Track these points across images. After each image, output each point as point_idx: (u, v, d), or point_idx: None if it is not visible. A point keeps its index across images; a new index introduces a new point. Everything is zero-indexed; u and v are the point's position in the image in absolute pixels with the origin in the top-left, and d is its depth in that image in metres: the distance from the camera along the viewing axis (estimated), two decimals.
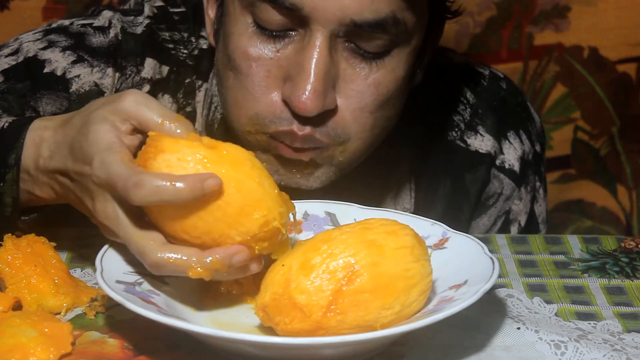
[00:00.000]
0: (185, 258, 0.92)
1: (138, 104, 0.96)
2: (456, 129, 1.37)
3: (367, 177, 1.33)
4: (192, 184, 0.90)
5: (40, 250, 1.05)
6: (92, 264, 0.98)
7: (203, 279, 0.94)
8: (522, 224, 1.39)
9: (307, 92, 1.10)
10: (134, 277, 0.98)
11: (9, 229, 1.06)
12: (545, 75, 1.83)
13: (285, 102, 1.14)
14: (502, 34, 1.81)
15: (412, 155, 1.35)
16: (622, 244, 1.22)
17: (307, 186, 1.19)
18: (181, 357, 0.95)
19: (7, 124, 1.07)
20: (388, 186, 1.35)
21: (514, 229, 1.39)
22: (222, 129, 1.30)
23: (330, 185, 1.22)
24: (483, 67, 1.42)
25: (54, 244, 1.07)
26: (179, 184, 0.90)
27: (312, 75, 1.10)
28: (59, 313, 1.02)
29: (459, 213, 1.37)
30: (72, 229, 1.18)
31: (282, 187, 1.16)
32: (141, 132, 0.97)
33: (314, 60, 1.10)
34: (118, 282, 0.96)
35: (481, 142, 1.36)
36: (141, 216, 0.94)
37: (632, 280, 1.13)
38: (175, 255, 0.92)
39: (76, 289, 1.04)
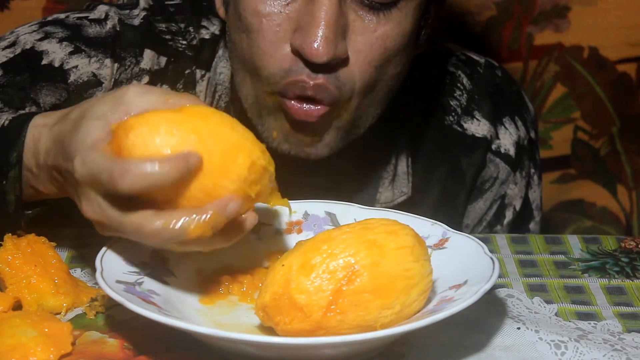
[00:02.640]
0: (183, 219, 0.92)
1: (140, 94, 0.97)
2: (453, 114, 1.39)
3: (365, 162, 1.35)
4: (177, 163, 0.90)
5: (40, 250, 1.05)
6: (92, 264, 0.98)
7: (203, 250, 0.95)
8: (517, 208, 1.41)
9: (318, 39, 1.12)
10: (134, 277, 0.98)
11: (11, 226, 1.06)
12: (545, 75, 1.83)
13: (296, 54, 1.15)
14: (502, 34, 1.81)
15: (408, 140, 1.37)
16: (622, 244, 1.22)
17: (315, 155, 1.21)
18: (181, 357, 0.95)
19: (7, 122, 1.07)
20: (385, 170, 1.36)
21: (509, 214, 1.41)
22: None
23: (329, 170, 1.25)
24: (479, 56, 1.44)
25: (54, 244, 1.07)
26: (164, 166, 0.90)
27: (322, 22, 1.12)
28: (59, 313, 1.02)
29: (455, 197, 1.39)
30: (72, 229, 1.18)
31: (291, 157, 1.20)
32: None
33: (324, 8, 1.12)
34: (118, 282, 0.96)
35: (477, 127, 1.39)
36: (128, 202, 0.94)
37: (632, 280, 1.13)
38: (172, 219, 0.92)
39: (76, 289, 1.04)
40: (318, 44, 1.12)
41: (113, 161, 0.91)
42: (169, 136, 0.92)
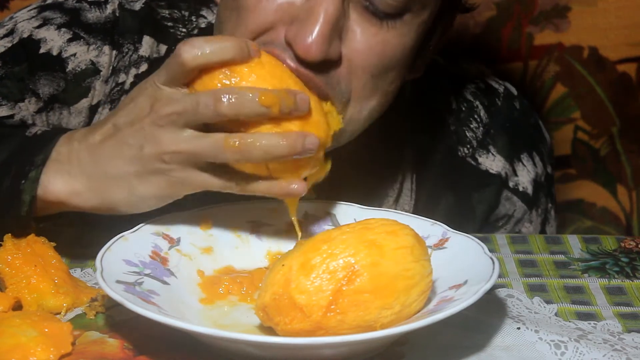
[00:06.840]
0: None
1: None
2: (468, 146, 1.36)
3: (371, 178, 1.33)
4: (239, 42, 1.01)
5: (40, 250, 1.05)
6: (92, 264, 0.98)
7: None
8: None
9: (313, 35, 1.07)
10: (134, 277, 0.98)
11: (21, 229, 1.06)
12: (545, 75, 1.83)
13: (287, 44, 1.09)
14: (502, 34, 1.81)
15: (414, 160, 1.34)
16: (622, 244, 1.22)
17: None
18: (181, 357, 0.95)
19: (40, 131, 1.10)
20: (392, 188, 1.34)
21: None
22: None
23: (333, 184, 1.22)
24: (498, 82, 1.41)
25: (54, 244, 1.07)
26: (226, 38, 1.02)
27: (321, 18, 1.07)
28: (59, 313, 1.02)
29: (460, 229, 1.36)
30: (72, 229, 1.18)
31: None
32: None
33: (325, 5, 1.07)
34: (118, 282, 0.96)
35: (492, 162, 1.36)
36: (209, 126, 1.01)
37: (632, 280, 1.13)
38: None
39: (76, 289, 1.04)
40: (312, 41, 1.06)
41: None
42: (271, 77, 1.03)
